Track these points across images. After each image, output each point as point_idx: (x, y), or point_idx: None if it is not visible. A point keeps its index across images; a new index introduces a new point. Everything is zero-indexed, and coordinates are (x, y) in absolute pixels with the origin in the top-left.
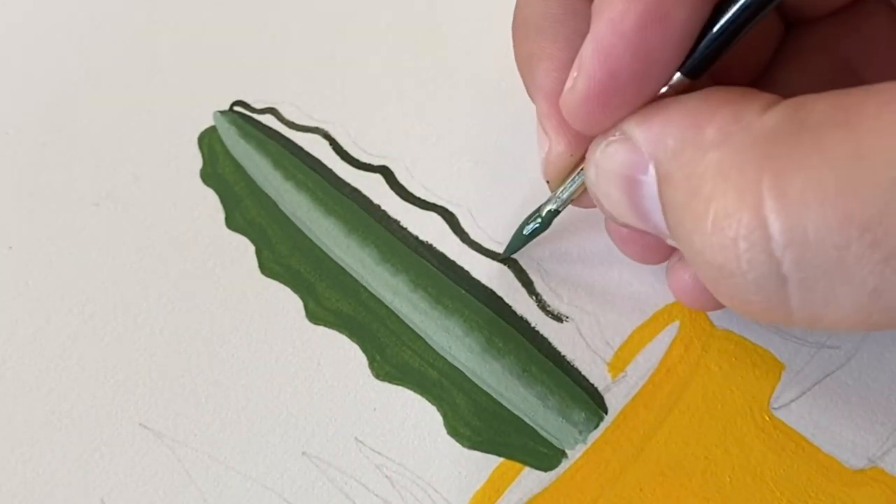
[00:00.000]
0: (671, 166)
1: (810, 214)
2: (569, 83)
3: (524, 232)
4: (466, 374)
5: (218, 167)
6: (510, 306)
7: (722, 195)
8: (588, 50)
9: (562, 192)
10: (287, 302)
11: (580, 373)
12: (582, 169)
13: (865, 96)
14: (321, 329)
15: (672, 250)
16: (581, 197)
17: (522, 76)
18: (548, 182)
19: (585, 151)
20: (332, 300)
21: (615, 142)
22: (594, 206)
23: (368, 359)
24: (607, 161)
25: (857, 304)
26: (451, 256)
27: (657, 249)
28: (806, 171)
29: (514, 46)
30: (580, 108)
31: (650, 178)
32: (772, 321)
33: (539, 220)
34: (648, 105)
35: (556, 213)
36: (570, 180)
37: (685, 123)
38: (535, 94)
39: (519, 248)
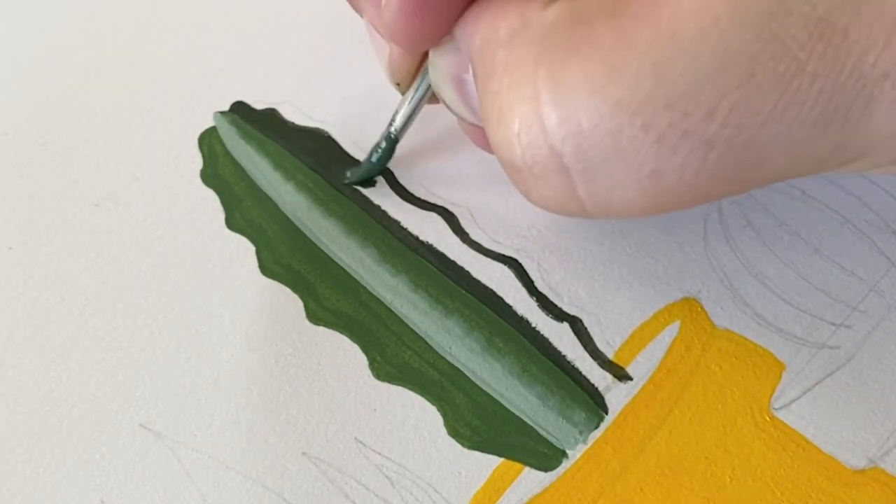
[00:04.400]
0: (476, 64)
1: (583, 104)
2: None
3: (378, 149)
4: (467, 374)
5: (218, 168)
6: (510, 306)
7: (506, 91)
8: None
9: (412, 93)
10: (287, 302)
11: (580, 373)
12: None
13: None
14: (321, 329)
15: None
16: (433, 97)
17: None
18: (398, 86)
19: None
20: (333, 300)
21: (445, 42)
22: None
23: (368, 359)
24: (439, 61)
25: (641, 189)
26: (451, 256)
27: None
28: (578, 62)
29: None
30: (398, 21)
31: (472, 77)
32: (570, 214)
33: (392, 131)
34: (473, 5)
35: (411, 114)
36: (416, 82)
37: (486, 22)
38: (360, 2)
39: (375, 170)
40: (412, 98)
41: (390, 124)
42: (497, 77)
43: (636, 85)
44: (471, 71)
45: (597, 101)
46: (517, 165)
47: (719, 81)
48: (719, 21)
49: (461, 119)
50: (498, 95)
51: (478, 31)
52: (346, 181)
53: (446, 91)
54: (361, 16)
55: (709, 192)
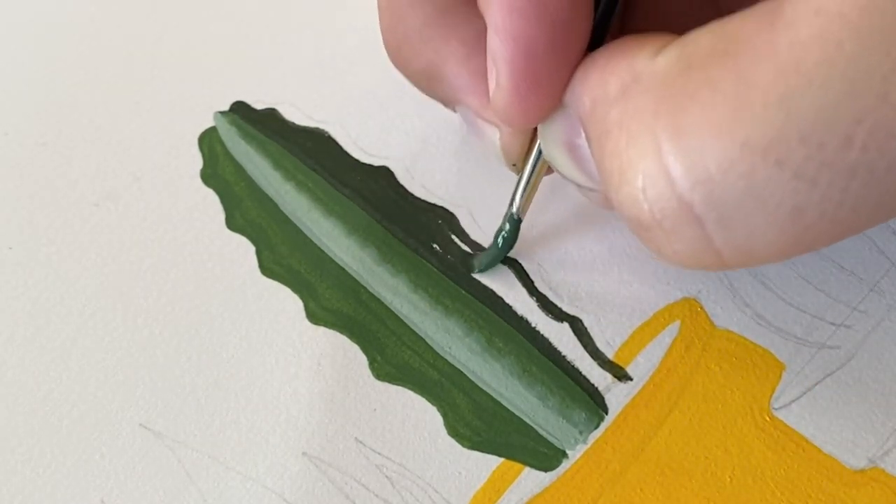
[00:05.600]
0: (588, 126)
1: (709, 149)
2: (492, 84)
3: (503, 234)
4: (467, 374)
5: (218, 168)
6: (510, 306)
7: (625, 148)
8: (495, 40)
9: (528, 170)
10: (287, 302)
11: (580, 373)
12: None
13: (742, 23)
14: (321, 329)
15: None
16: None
17: (428, 89)
18: (513, 166)
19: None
20: (333, 300)
21: (555, 111)
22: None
23: (369, 359)
24: (550, 130)
25: (781, 230)
26: (451, 256)
27: None
28: (698, 107)
29: (402, 66)
30: (514, 101)
31: (585, 141)
32: (707, 268)
33: (515, 213)
34: (578, 68)
35: (531, 192)
36: (531, 158)
37: (594, 82)
38: (459, 96)
39: (499, 258)
40: (529, 175)
41: (511, 205)
42: (613, 135)
43: (765, 121)
44: (583, 134)
45: (724, 143)
46: (646, 222)
47: (853, 106)
48: (843, 46)
49: (578, 185)
50: (616, 154)
51: (586, 92)
52: (475, 272)
53: (560, 159)
54: (456, 109)
55: (853, 223)
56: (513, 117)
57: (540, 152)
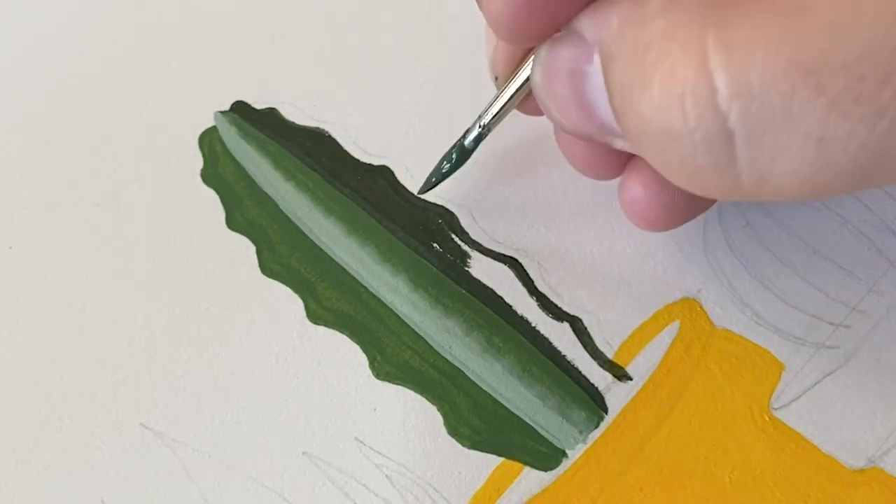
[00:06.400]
0: (616, 45)
1: (755, 64)
2: None
3: (471, 134)
4: (467, 373)
5: (218, 167)
6: (510, 306)
7: (668, 55)
8: None
9: (509, 87)
10: (287, 302)
11: (580, 372)
12: (523, 68)
13: None
14: (321, 329)
15: (622, 163)
16: (525, 102)
17: None
18: (496, 79)
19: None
20: (333, 300)
21: (560, 37)
22: (538, 114)
23: (369, 359)
24: (552, 58)
25: (803, 159)
26: (451, 256)
27: (608, 161)
28: (750, 22)
29: None
30: (504, 16)
31: (595, 67)
32: (721, 190)
33: (479, 127)
34: (596, 2)
35: (503, 108)
36: (514, 77)
37: (628, 3)
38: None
39: (447, 172)
40: (508, 92)
41: (480, 116)
42: (655, 46)
43: (812, 43)
44: (594, 60)
45: (771, 59)
46: (677, 131)
47: None
48: None
49: (566, 127)
50: (658, 63)
51: (614, 13)
52: (441, 168)
53: (558, 90)
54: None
55: (870, 171)
56: (500, 30)
57: (525, 75)
